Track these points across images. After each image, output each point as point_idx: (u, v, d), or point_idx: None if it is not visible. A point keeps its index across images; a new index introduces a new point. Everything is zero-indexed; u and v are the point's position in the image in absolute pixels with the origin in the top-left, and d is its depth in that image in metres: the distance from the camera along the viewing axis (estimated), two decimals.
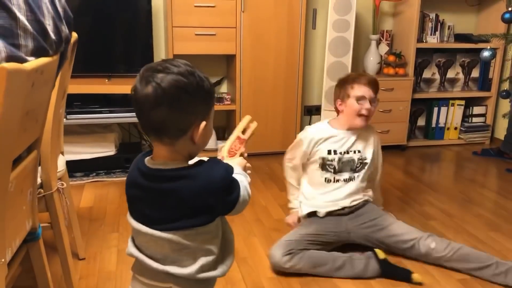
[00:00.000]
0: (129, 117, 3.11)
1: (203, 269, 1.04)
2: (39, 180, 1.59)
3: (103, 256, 2.15)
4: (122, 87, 3.02)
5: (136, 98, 0.97)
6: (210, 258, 1.04)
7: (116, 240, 2.29)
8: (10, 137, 0.90)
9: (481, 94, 4.04)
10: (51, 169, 1.62)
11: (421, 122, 4.03)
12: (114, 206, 2.67)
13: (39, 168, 1.61)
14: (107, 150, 3.18)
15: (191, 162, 1.04)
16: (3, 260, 1.00)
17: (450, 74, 4.00)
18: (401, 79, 3.70)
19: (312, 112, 3.98)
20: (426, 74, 3.96)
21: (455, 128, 4.05)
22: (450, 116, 4.01)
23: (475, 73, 4.05)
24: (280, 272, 2.00)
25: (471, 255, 2.01)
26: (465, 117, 4.07)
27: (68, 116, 2.95)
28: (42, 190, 1.58)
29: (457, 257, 2.01)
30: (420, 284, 1.94)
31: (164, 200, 1.00)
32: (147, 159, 1.03)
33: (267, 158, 3.55)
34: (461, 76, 4.03)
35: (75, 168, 3.08)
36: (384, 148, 3.80)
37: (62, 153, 1.94)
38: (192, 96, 0.96)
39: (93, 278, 1.97)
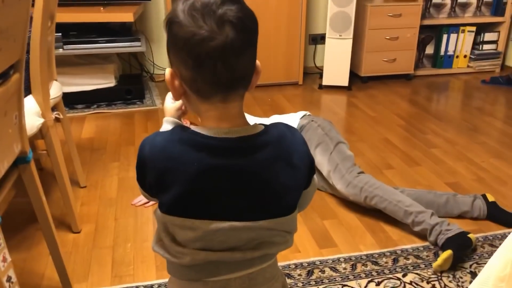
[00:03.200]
0: (128, 47, 3.05)
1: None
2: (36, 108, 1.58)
3: (104, 184, 2.18)
4: (118, 15, 2.92)
5: (208, 47, 0.69)
6: None
7: (117, 169, 2.32)
8: None
9: (494, 19, 3.86)
10: (44, 95, 1.60)
11: (429, 50, 3.91)
12: (115, 137, 2.68)
13: (31, 95, 1.61)
14: (107, 81, 3.15)
15: None
16: None
17: None
18: (409, 4, 3.54)
19: (317, 41, 3.86)
20: None
21: (465, 56, 3.92)
22: (460, 44, 3.87)
23: None
24: None
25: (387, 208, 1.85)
26: (476, 44, 3.93)
27: (65, 47, 2.90)
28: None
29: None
30: None
31: (265, 176, 0.76)
32: (205, 131, 0.74)
33: (269, 90, 3.50)
34: (473, 0, 3.84)
35: (76, 100, 3.07)
36: (390, 77, 3.74)
37: (56, 80, 1.91)
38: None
39: (94, 205, 2.02)
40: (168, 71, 0.77)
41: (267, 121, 2.11)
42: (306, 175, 0.82)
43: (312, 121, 2.13)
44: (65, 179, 1.74)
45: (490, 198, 1.95)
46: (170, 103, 0.96)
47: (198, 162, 0.73)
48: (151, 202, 1.98)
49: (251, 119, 1.72)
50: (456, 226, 1.72)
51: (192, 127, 0.77)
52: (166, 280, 1.57)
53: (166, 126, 0.90)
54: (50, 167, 2.01)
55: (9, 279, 1.07)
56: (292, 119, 2.12)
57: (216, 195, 0.74)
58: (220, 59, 0.70)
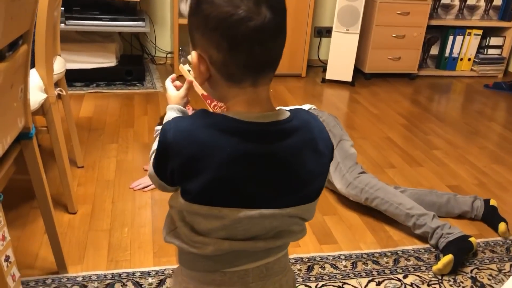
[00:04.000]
0: (132, 26, 2.98)
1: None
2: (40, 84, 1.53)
3: (102, 165, 2.13)
4: None
5: (246, 28, 0.65)
6: None
7: (115, 150, 2.27)
8: None
9: (501, 24, 3.84)
10: (47, 70, 1.54)
11: (434, 51, 3.88)
12: (114, 118, 2.62)
13: (34, 69, 1.55)
14: (107, 61, 3.08)
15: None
16: None
17: (471, 0, 3.78)
18: (419, 2, 3.50)
19: (322, 34, 3.82)
20: None
21: (469, 59, 3.90)
22: (465, 46, 3.84)
23: (498, 1, 3.82)
24: None
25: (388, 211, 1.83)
26: (481, 48, 3.91)
27: (67, 22, 2.82)
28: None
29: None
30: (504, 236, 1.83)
31: (294, 162, 0.74)
32: (236, 115, 0.71)
33: (272, 80, 3.45)
34: (482, 3, 3.81)
35: (75, 77, 3.00)
36: (394, 75, 3.71)
37: (60, 55, 1.85)
38: None
39: (91, 186, 1.97)
40: (194, 54, 0.72)
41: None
42: (329, 161, 0.81)
43: (317, 115, 2.09)
44: (64, 158, 1.69)
45: (492, 202, 1.94)
46: (174, 91, 0.91)
47: (231, 147, 0.69)
48: (150, 187, 1.94)
49: None
50: (458, 229, 1.70)
51: (220, 111, 0.73)
52: (164, 267, 1.54)
53: (172, 113, 0.87)
54: (48, 145, 1.96)
55: (7, 258, 1.03)
56: None
57: (247, 182, 0.71)
58: (258, 41, 0.67)
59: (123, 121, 2.60)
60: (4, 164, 1.13)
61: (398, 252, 1.69)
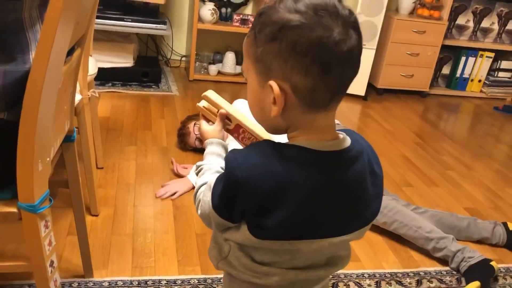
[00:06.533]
0: (154, 29, 2.98)
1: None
2: None
3: (121, 167, 2.12)
4: None
5: (340, 50, 0.64)
6: None
7: (134, 153, 2.26)
8: (70, 26, 0.81)
9: None
10: (83, 71, 1.53)
11: (445, 70, 3.91)
12: (131, 119, 2.61)
13: None
14: (125, 61, 3.07)
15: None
16: (48, 159, 0.95)
17: (485, 23, 3.83)
18: (435, 22, 3.53)
19: None
20: (460, 20, 3.78)
21: (479, 81, 3.94)
22: (477, 68, 3.88)
23: (511, 25, 3.87)
24: None
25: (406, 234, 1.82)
26: (491, 70, 3.95)
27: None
28: None
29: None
30: None
31: (360, 188, 0.73)
32: (310, 144, 0.69)
33: None
34: (495, 26, 3.85)
35: None
36: (405, 92, 3.74)
37: (91, 56, 1.84)
38: None
39: (112, 188, 1.95)
40: (275, 85, 0.66)
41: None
42: (382, 180, 0.80)
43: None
44: (92, 159, 1.68)
45: (511, 226, 1.95)
46: (208, 126, 0.86)
47: (311, 180, 0.67)
48: (178, 194, 1.92)
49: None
50: (478, 253, 1.71)
51: (290, 142, 0.70)
52: (189, 276, 1.53)
53: (214, 148, 0.83)
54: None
55: (51, 263, 1.02)
56: None
57: (324, 213, 0.70)
58: (349, 64, 0.66)
59: (141, 123, 2.58)
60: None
61: (421, 273, 1.70)
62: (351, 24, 0.66)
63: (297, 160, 0.67)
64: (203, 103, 0.87)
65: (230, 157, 0.69)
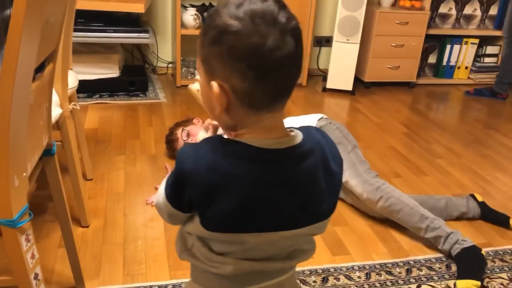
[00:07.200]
0: (137, 38, 3.00)
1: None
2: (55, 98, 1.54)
3: (111, 177, 2.14)
4: (129, 5, 2.87)
5: (275, 57, 0.66)
6: None
7: (123, 162, 2.27)
8: (34, 44, 0.83)
9: (497, 33, 3.90)
10: (63, 85, 1.55)
11: (431, 59, 3.93)
12: (119, 129, 2.63)
13: None
14: (110, 71, 3.09)
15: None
16: (24, 174, 0.96)
17: (468, 10, 3.85)
18: (417, 12, 3.56)
19: (321, 43, 3.85)
20: (443, 8, 3.80)
21: (466, 68, 3.96)
22: (462, 55, 3.90)
23: (493, 10, 3.89)
24: None
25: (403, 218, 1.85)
26: (477, 56, 3.97)
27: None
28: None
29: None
30: None
31: (310, 184, 0.76)
32: (255, 142, 0.71)
33: None
34: (478, 13, 3.88)
35: (78, 88, 2.99)
36: (393, 84, 3.76)
37: (71, 69, 1.86)
38: None
39: (101, 199, 1.97)
40: (215, 86, 0.69)
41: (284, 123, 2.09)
42: (340, 179, 0.82)
43: (330, 123, 2.12)
44: (78, 171, 1.70)
45: (479, 198, 2.03)
46: (206, 134, 0.91)
47: (252, 176, 0.70)
48: None
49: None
50: (469, 240, 1.73)
51: (237, 139, 0.73)
52: (180, 280, 1.55)
53: None
54: (59, 158, 1.96)
55: (36, 276, 1.04)
56: (310, 121, 2.10)
57: (268, 208, 0.73)
58: (284, 70, 0.69)
59: (129, 132, 2.60)
60: (30, 182, 1.14)
61: (410, 262, 1.72)
62: (289, 31, 0.68)
63: (241, 156, 0.71)
64: (196, 86, 0.89)
65: (182, 150, 0.73)
